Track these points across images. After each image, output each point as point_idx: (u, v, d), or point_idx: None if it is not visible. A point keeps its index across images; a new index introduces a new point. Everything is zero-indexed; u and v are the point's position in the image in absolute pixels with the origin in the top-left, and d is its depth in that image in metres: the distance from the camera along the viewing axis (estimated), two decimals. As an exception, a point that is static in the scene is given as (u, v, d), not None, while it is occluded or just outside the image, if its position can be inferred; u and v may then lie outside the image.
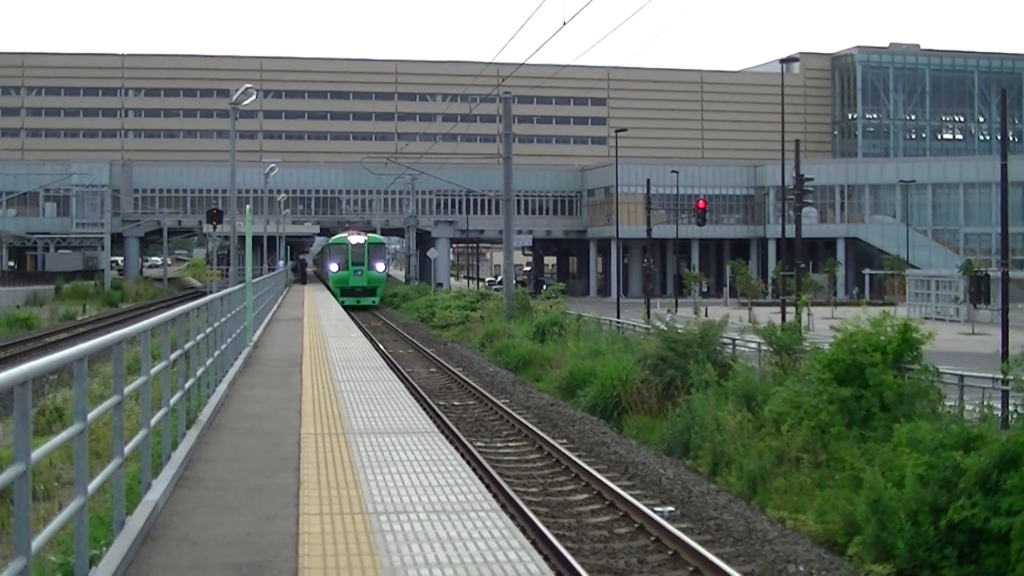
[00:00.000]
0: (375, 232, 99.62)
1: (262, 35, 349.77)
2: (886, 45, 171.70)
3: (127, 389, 10.04)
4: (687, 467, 23.37)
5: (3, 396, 24.14)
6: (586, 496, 20.36)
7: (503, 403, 32.20)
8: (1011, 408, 19.50)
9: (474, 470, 19.10)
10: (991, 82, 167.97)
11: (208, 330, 18.91)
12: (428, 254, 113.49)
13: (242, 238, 39.84)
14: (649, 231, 73.08)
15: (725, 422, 23.01)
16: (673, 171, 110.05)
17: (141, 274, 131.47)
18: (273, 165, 70.01)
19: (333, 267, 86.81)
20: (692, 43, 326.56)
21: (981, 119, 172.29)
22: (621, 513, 18.77)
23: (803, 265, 56.18)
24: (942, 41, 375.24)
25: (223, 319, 22.16)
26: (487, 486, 17.82)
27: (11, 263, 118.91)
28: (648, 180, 79.16)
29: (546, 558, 14.96)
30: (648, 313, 51.70)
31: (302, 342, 34.93)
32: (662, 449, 25.34)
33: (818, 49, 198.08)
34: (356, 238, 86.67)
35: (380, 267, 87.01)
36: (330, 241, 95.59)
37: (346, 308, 67.74)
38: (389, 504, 11.67)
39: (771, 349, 27.38)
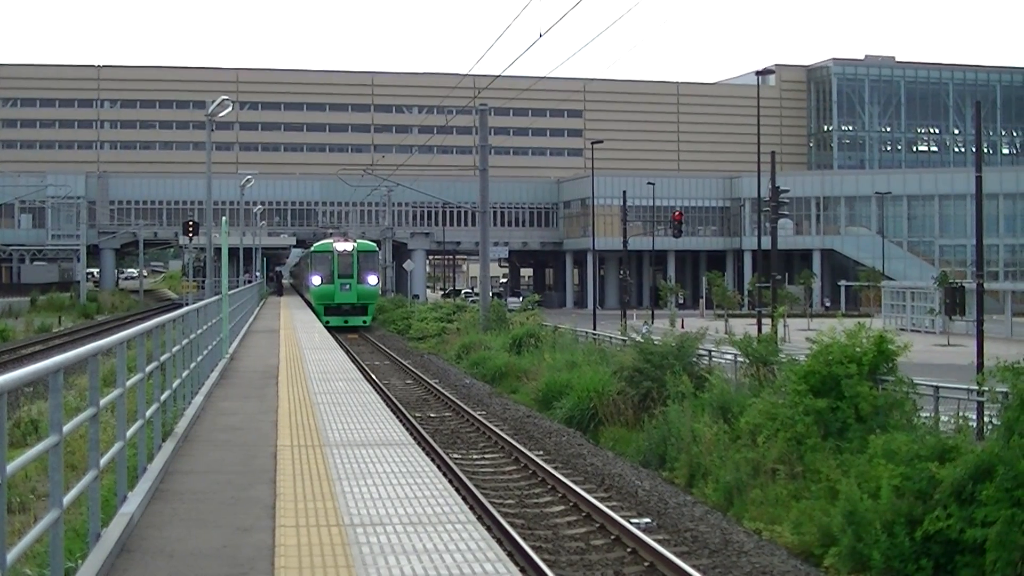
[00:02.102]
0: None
1: (238, 47, 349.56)
2: (861, 57, 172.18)
3: (103, 401, 10.02)
4: (663, 479, 23.41)
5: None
6: (562, 508, 20.36)
7: (479, 415, 32.20)
8: (986, 419, 19.58)
9: (450, 482, 19.07)
10: (966, 94, 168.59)
11: (184, 342, 18.87)
12: (404, 266, 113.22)
13: (218, 250, 39.80)
14: (625, 243, 73.27)
15: (701, 434, 23.05)
16: (649, 183, 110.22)
17: (117, 286, 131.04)
18: (249, 177, 70.02)
19: (315, 280, 72.59)
20: (668, 55, 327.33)
21: (956, 131, 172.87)
22: (597, 525, 18.78)
23: (779, 277, 56.30)
24: (917, 54, 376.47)
25: (199, 331, 22.11)
26: (463, 498, 17.81)
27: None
28: (624, 192, 79.47)
29: (522, 570, 14.97)
30: (624, 325, 51.74)
31: (278, 354, 34.86)
32: (638, 461, 25.38)
33: (794, 61, 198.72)
34: (343, 245, 72.91)
35: (373, 280, 73.47)
36: (312, 249, 79.73)
37: (331, 329, 58.33)
38: (366, 516, 11.66)
39: (747, 361, 27.44)
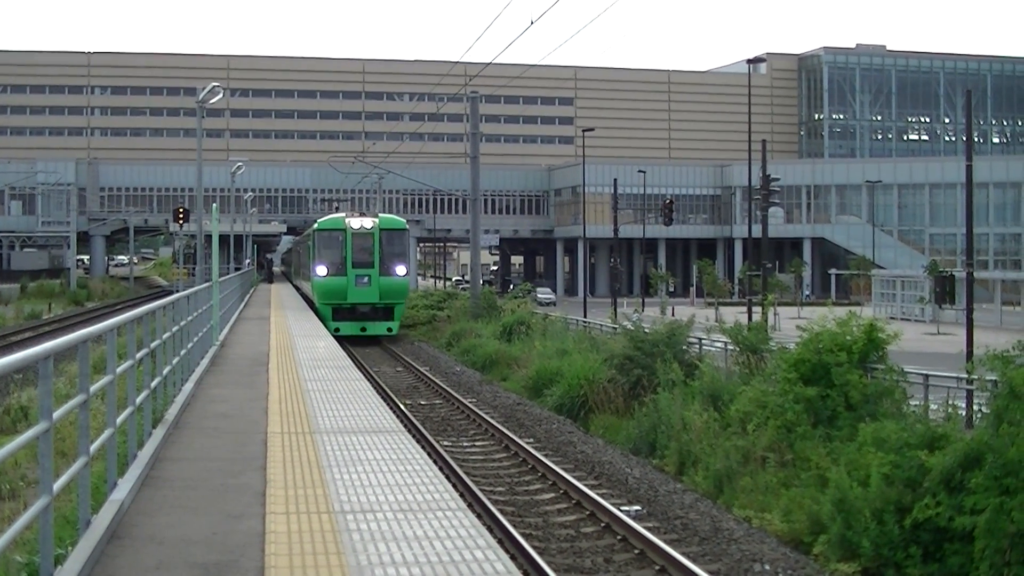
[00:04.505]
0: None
1: (229, 33, 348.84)
2: (852, 46, 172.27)
3: (93, 388, 9.99)
4: (653, 466, 23.43)
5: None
6: (553, 495, 20.37)
7: (470, 402, 32.20)
8: (975, 408, 19.65)
9: (441, 469, 19.11)
10: (956, 83, 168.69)
11: (174, 329, 18.81)
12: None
13: (208, 237, 39.69)
14: (616, 231, 73.23)
15: (691, 422, 23.07)
16: (640, 171, 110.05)
17: (107, 273, 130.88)
18: (240, 164, 69.77)
19: (320, 271, 53.31)
20: (659, 43, 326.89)
21: (946, 120, 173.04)
22: (588, 512, 18.79)
23: (769, 265, 56.38)
24: (908, 42, 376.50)
25: (189, 318, 22.05)
26: (454, 485, 17.80)
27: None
28: (615, 180, 79.30)
29: (513, 557, 14.96)
30: (615, 313, 51.75)
31: (269, 341, 34.77)
32: (629, 448, 25.40)
33: (785, 50, 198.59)
34: (360, 221, 53.17)
35: (401, 270, 53.51)
36: (316, 226, 56.50)
37: (341, 339, 43.24)
38: (356, 503, 11.64)
39: (737, 349, 27.47)
